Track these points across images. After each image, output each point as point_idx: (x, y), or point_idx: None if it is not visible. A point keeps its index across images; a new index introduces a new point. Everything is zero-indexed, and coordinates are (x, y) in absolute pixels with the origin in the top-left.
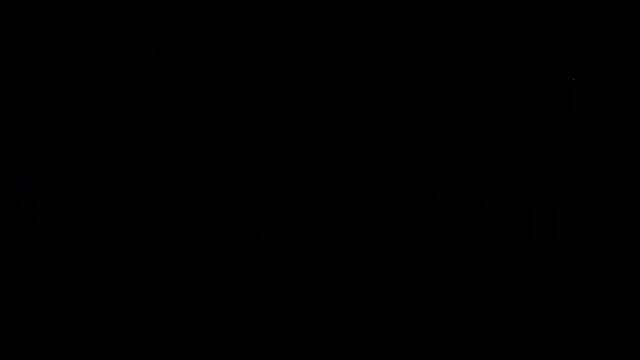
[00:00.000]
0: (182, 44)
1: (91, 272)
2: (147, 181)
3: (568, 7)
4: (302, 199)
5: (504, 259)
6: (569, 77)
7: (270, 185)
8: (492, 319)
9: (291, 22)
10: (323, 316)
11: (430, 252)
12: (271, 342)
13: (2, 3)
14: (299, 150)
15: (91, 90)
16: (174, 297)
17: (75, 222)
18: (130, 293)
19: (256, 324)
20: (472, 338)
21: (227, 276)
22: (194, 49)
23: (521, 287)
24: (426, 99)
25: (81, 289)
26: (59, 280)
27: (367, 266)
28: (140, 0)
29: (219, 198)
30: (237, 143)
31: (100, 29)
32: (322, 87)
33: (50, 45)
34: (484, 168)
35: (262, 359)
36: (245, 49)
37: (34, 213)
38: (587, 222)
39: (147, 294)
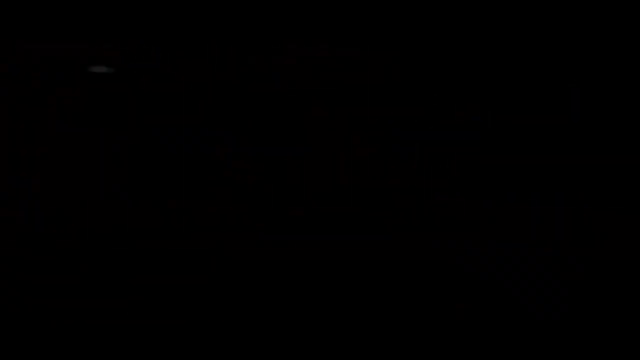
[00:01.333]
0: (182, 44)
1: (91, 272)
2: (147, 181)
3: (568, 7)
4: (302, 199)
5: (504, 259)
6: (569, 77)
7: (270, 185)
8: (492, 319)
9: (291, 22)
10: (323, 316)
11: (430, 252)
12: (271, 342)
13: (2, 3)
14: (299, 150)
15: (91, 90)
16: (174, 297)
17: (75, 222)
18: (130, 293)
19: (256, 324)
20: (472, 338)
21: (227, 276)
22: (194, 49)
23: (521, 287)
24: (426, 99)
25: (81, 289)
26: (59, 280)
27: (367, 266)
28: (140, 0)
29: (219, 198)
30: (237, 143)
31: (100, 29)
32: (322, 87)
33: (50, 45)
34: (484, 168)
35: (262, 359)
36: (245, 49)
37: (34, 213)
38: (587, 222)
39: (147, 294)
